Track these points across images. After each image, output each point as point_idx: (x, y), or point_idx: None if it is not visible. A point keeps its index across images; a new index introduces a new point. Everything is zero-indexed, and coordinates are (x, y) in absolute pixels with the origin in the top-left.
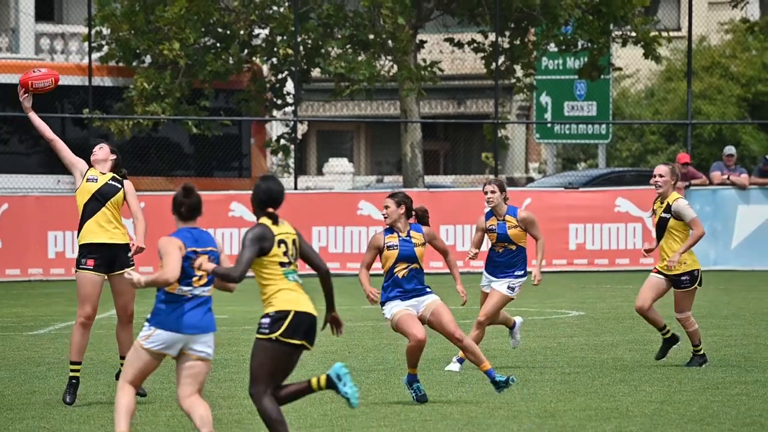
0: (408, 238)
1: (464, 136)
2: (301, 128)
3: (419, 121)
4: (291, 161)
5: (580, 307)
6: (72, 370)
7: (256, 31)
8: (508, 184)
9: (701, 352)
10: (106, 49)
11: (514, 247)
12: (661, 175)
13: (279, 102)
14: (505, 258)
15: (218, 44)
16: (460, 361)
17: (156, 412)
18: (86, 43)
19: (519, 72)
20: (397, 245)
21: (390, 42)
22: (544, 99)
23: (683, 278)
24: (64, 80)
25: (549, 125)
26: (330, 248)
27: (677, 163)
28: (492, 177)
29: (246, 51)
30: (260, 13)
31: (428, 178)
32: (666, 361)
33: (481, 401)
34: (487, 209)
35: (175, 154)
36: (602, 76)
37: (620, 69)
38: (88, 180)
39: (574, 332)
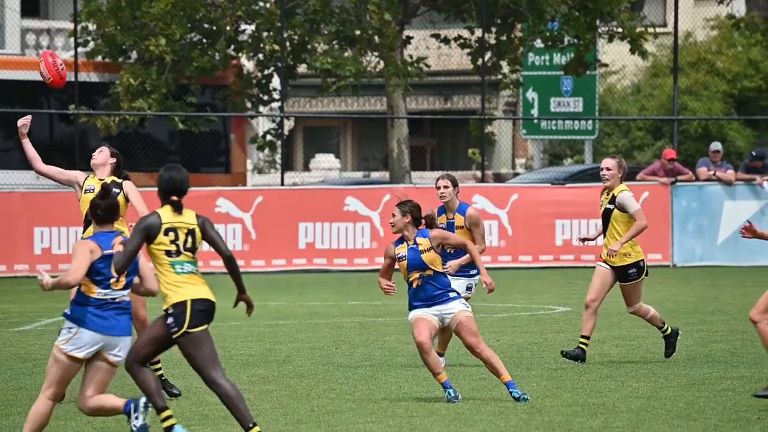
0: (415, 245)
1: (451, 132)
2: (288, 124)
3: (406, 117)
4: (278, 157)
5: (566, 302)
6: None
7: (243, 26)
8: (494, 180)
9: (668, 331)
10: (92, 44)
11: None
12: (608, 168)
13: (265, 98)
14: (454, 257)
15: (204, 40)
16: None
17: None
18: (72, 39)
19: (505, 68)
20: (405, 255)
21: (376, 38)
22: (531, 95)
23: (630, 271)
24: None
25: (535, 121)
26: (317, 244)
27: (663, 159)
28: (445, 172)
29: (232, 47)
30: (246, 8)
31: (417, 174)
32: (652, 357)
33: (468, 397)
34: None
35: (159, 150)
36: (588, 72)
37: (606, 65)
38: (86, 191)
39: (560, 328)
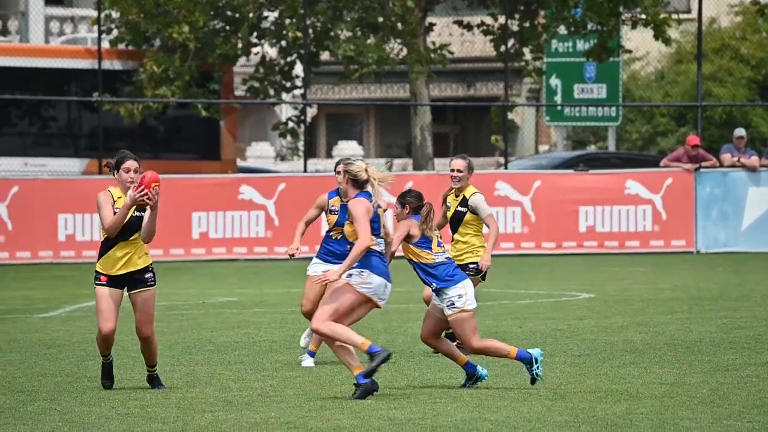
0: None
1: (474, 119)
2: (311, 111)
3: (429, 104)
4: (300, 144)
5: (590, 289)
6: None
7: (266, 13)
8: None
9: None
10: (115, 32)
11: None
12: (459, 170)
13: (288, 85)
14: (345, 247)
15: (227, 27)
16: (311, 354)
17: (167, 393)
18: (96, 27)
19: (528, 55)
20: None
21: (399, 25)
22: (554, 81)
23: (471, 266)
24: (74, 64)
25: (559, 108)
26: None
27: (687, 146)
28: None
29: (255, 34)
30: None
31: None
32: (676, 343)
33: (491, 384)
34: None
35: (146, 137)
36: (612, 59)
37: (630, 51)
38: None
39: (584, 314)
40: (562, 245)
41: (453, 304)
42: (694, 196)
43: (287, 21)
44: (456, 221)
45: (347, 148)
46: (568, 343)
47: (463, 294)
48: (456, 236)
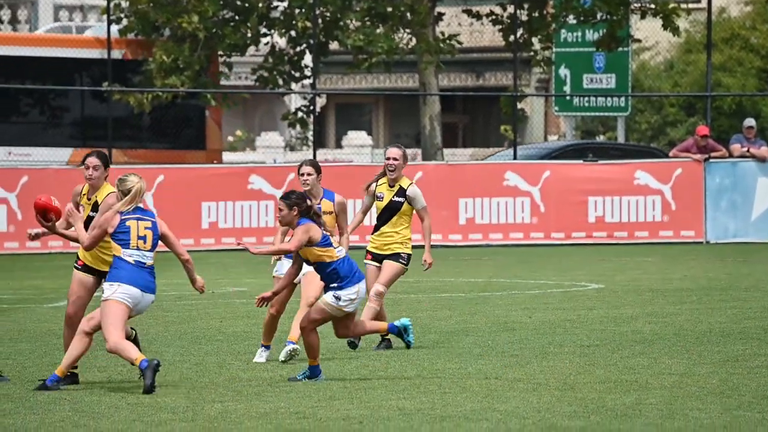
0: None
1: (483, 109)
2: (320, 101)
3: (438, 93)
4: (310, 134)
5: (599, 279)
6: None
7: (275, 3)
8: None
9: (389, 336)
10: (125, 21)
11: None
12: (395, 159)
13: (297, 75)
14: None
15: (237, 17)
16: (267, 348)
17: (176, 383)
18: (105, 16)
19: (537, 44)
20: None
21: (408, 15)
22: (563, 71)
23: (403, 254)
24: (84, 53)
25: (568, 98)
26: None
27: (696, 136)
28: (309, 158)
29: (264, 24)
30: None
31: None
32: (685, 334)
33: (501, 374)
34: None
35: (130, 127)
36: (621, 48)
37: (639, 41)
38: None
39: (593, 305)
40: (572, 235)
41: (339, 298)
42: (704, 187)
43: (297, 11)
44: (390, 211)
45: (356, 138)
46: (578, 334)
47: (353, 298)
48: (385, 227)
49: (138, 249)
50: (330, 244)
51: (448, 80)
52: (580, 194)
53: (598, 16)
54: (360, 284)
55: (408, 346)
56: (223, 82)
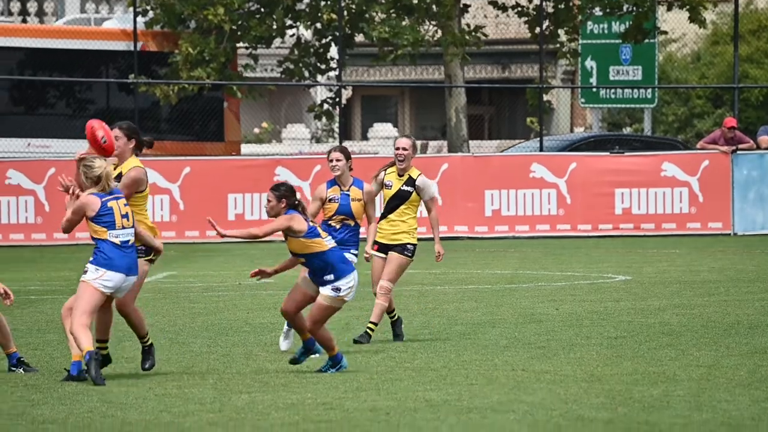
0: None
1: (509, 101)
2: (346, 93)
3: (464, 86)
4: (336, 126)
5: (626, 271)
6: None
7: None
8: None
9: (396, 317)
10: (151, 14)
11: (352, 223)
12: (404, 148)
13: (323, 67)
14: (342, 234)
15: (262, 9)
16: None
17: (204, 375)
18: (131, 8)
19: (563, 36)
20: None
21: (434, 7)
22: (589, 63)
23: (409, 246)
24: (110, 45)
25: (594, 89)
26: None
27: (724, 128)
28: (338, 144)
29: (290, 16)
30: None
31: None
32: (713, 326)
33: (528, 366)
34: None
35: (151, 119)
36: (648, 40)
37: (666, 33)
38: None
39: (620, 297)
40: (598, 227)
41: (339, 290)
42: (731, 178)
43: (322, 3)
44: (399, 200)
45: (382, 130)
46: (605, 326)
47: (352, 285)
48: (393, 215)
49: (123, 228)
50: (318, 235)
51: (474, 72)
52: (607, 186)
53: (625, 8)
54: (354, 272)
55: (299, 360)
56: (248, 74)
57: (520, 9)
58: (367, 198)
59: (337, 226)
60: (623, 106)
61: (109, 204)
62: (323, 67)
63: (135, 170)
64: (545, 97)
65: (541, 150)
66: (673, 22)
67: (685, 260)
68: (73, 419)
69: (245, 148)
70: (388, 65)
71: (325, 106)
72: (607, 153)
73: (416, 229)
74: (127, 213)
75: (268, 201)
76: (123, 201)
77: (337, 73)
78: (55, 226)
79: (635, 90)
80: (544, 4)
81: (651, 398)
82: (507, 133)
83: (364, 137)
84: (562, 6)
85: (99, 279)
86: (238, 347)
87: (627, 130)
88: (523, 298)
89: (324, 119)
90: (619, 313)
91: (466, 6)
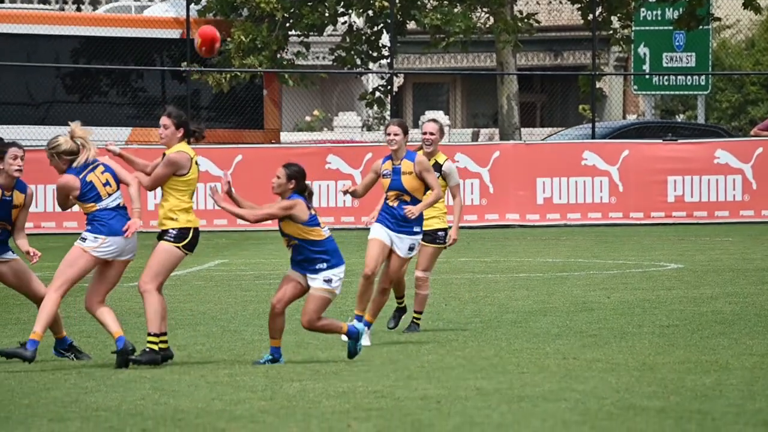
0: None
1: (561, 88)
2: (397, 81)
3: (515, 73)
4: (387, 114)
5: (678, 259)
6: None
7: None
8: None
9: (420, 319)
10: (204, 2)
11: (408, 199)
12: (432, 133)
13: (375, 54)
14: (402, 211)
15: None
16: (368, 325)
17: (255, 363)
18: None
19: (616, 23)
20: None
21: None
22: (642, 50)
23: (440, 233)
24: (162, 33)
25: (647, 77)
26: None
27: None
28: (396, 119)
29: (342, 3)
30: None
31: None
32: (766, 314)
33: (579, 355)
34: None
35: (193, 107)
36: (701, 27)
37: (719, 19)
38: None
39: (672, 285)
40: (651, 215)
41: (330, 281)
42: None
43: None
44: (426, 185)
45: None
46: (657, 314)
47: (342, 277)
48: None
49: (109, 196)
50: (318, 224)
51: (526, 59)
52: (660, 174)
53: None
54: (344, 265)
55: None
56: (300, 62)
57: None
58: (419, 168)
59: (394, 204)
60: (676, 93)
61: (88, 178)
62: (375, 54)
63: (176, 153)
64: (597, 85)
65: (593, 137)
66: (727, 8)
67: (738, 248)
68: (125, 406)
69: (297, 136)
70: (439, 52)
71: (377, 93)
72: (660, 140)
73: (445, 213)
74: (107, 180)
75: (277, 177)
76: (100, 169)
77: (388, 60)
78: None
79: (689, 77)
80: None
81: (703, 387)
82: (559, 121)
83: (416, 125)
84: None
85: (99, 248)
86: (289, 335)
87: (680, 117)
88: (575, 286)
89: (375, 107)
90: (672, 302)
91: None
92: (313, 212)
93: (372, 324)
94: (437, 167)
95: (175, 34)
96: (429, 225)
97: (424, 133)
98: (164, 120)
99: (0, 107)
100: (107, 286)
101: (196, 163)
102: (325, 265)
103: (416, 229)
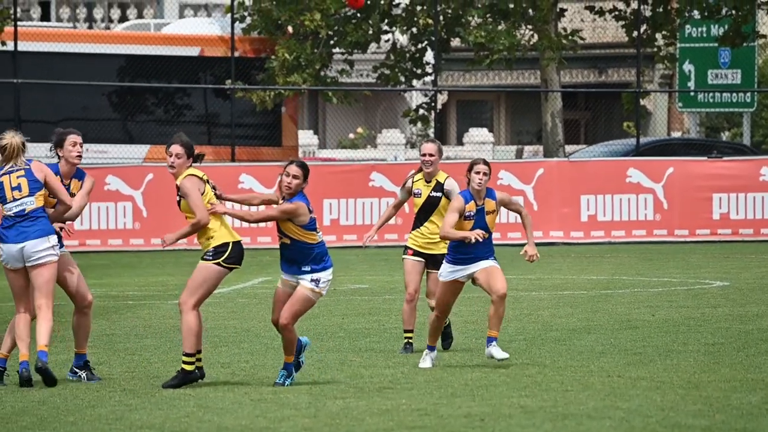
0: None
1: (605, 105)
2: (441, 98)
3: (560, 90)
4: (431, 131)
5: (724, 277)
6: None
7: (397, 0)
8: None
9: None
10: (248, 20)
11: (487, 236)
12: (431, 154)
13: (419, 72)
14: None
15: (358, 14)
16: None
17: (299, 380)
18: (229, 15)
19: (661, 40)
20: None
21: (530, 11)
22: (687, 67)
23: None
24: (207, 51)
25: (692, 94)
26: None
27: None
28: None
29: (386, 21)
30: None
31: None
32: None
33: (624, 372)
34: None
35: (211, 123)
36: (747, 44)
37: (765, 36)
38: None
39: (718, 303)
40: (696, 233)
41: (318, 281)
42: None
43: (418, 8)
44: (430, 207)
45: (478, 134)
46: (702, 332)
47: (329, 279)
48: (427, 224)
49: (14, 200)
50: (315, 229)
51: (570, 76)
52: (705, 191)
53: (723, 11)
54: (332, 268)
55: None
56: (344, 79)
57: (617, 13)
58: (502, 204)
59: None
60: (722, 110)
61: (2, 179)
62: (419, 72)
63: (188, 179)
64: (642, 102)
65: (637, 154)
66: None
67: None
68: (169, 424)
69: (341, 154)
70: (483, 70)
71: (421, 111)
72: (705, 158)
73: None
74: (18, 184)
75: (295, 177)
76: (18, 173)
77: (432, 77)
78: (153, 232)
79: (734, 94)
80: (641, 7)
81: (749, 405)
82: (603, 138)
83: (460, 142)
84: (660, 9)
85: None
86: (332, 353)
87: (724, 135)
88: (619, 304)
89: (419, 124)
90: (717, 320)
91: (563, 10)
92: (313, 216)
93: (434, 347)
94: (439, 187)
95: (219, 51)
96: (438, 249)
97: (423, 155)
98: (177, 149)
99: (52, 125)
100: (28, 295)
101: (207, 181)
102: (314, 266)
103: (492, 255)
